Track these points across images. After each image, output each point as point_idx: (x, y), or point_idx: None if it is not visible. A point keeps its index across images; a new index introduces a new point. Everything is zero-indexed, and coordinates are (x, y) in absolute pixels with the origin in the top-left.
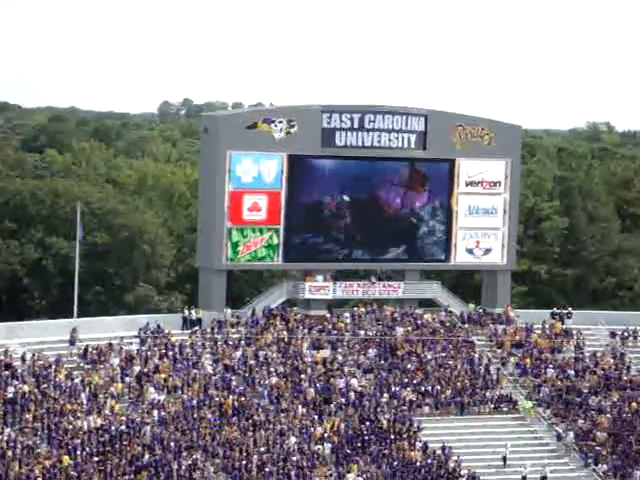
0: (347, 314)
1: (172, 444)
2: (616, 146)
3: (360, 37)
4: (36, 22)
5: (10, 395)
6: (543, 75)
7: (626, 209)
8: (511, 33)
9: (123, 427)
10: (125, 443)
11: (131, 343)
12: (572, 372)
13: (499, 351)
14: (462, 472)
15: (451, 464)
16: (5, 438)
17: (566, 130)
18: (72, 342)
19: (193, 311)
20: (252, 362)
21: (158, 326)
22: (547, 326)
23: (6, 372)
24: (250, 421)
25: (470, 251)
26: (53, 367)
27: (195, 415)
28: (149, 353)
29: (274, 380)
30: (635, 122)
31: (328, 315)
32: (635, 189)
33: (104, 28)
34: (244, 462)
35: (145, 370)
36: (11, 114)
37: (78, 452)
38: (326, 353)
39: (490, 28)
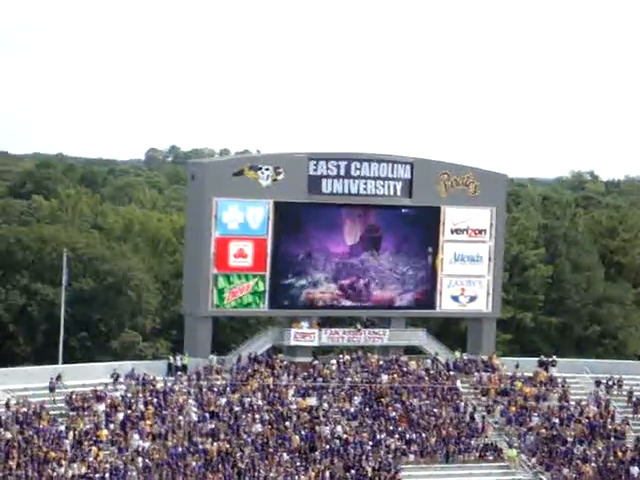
0: (333, 361)
1: None
2: (600, 195)
3: (347, 85)
4: (24, 68)
5: None
6: (528, 124)
7: (610, 257)
8: (497, 82)
9: (107, 475)
10: None
11: (116, 389)
12: (557, 420)
13: (484, 399)
14: None
15: None
16: None
17: (551, 179)
18: (52, 389)
19: (178, 357)
20: (237, 409)
21: (144, 373)
22: (532, 374)
23: None
24: (235, 469)
25: (455, 298)
26: (37, 414)
27: (179, 463)
28: (134, 400)
29: (259, 427)
30: (619, 171)
31: (314, 362)
32: (619, 238)
33: (92, 75)
34: None
35: (130, 417)
36: None
37: None
38: (311, 400)
39: (477, 77)
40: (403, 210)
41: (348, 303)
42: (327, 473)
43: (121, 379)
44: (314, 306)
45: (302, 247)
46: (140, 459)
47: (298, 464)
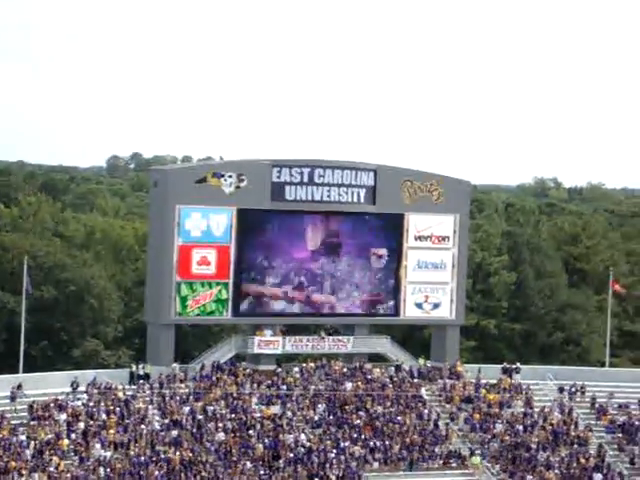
0: (296, 369)
1: None
2: (563, 202)
3: (310, 91)
4: None
5: None
6: (492, 131)
7: (573, 264)
8: (459, 89)
9: None
10: None
11: (78, 399)
12: (521, 427)
13: (448, 406)
14: None
15: None
16: None
17: (514, 186)
18: (13, 398)
19: (141, 366)
20: (200, 417)
21: (105, 381)
22: (496, 381)
23: None
24: (198, 477)
25: (419, 305)
26: None
27: (142, 472)
28: (95, 409)
29: (222, 436)
30: (582, 178)
31: (277, 370)
32: (582, 245)
33: (52, 82)
34: None
35: (91, 426)
36: None
37: None
38: (275, 408)
39: (439, 83)
40: (366, 217)
41: (312, 310)
42: None
43: (83, 388)
44: (277, 314)
45: (264, 254)
46: (102, 469)
47: (262, 472)
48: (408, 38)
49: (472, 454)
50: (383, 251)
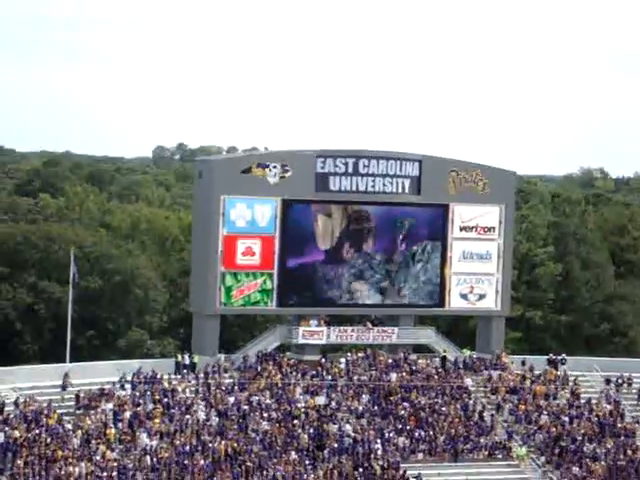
0: (341, 359)
1: None
2: (610, 192)
3: (355, 82)
4: (31, 66)
5: (0, 440)
6: (538, 121)
7: (620, 255)
8: (506, 79)
9: (115, 473)
10: None
11: (123, 388)
12: (567, 419)
13: (493, 397)
14: None
15: None
16: None
17: (560, 176)
18: (64, 387)
19: (186, 356)
20: (245, 407)
21: (152, 371)
22: (542, 372)
23: None
24: (243, 467)
25: (464, 296)
26: (45, 412)
27: (187, 461)
28: (141, 399)
29: (267, 426)
30: (629, 168)
31: (322, 360)
32: (629, 235)
33: (99, 73)
34: None
35: (137, 415)
36: (5, 158)
37: None
38: (320, 399)
39: (486, 73)
40: (412, 208)
41: (356, 301)
42: (335, 472)
43: (128, 378)
44: (322, 304)
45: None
46: (148, 458)
47: (306, 463)
48: (456, 28)
49: (519, 445)
50: (428, 242)
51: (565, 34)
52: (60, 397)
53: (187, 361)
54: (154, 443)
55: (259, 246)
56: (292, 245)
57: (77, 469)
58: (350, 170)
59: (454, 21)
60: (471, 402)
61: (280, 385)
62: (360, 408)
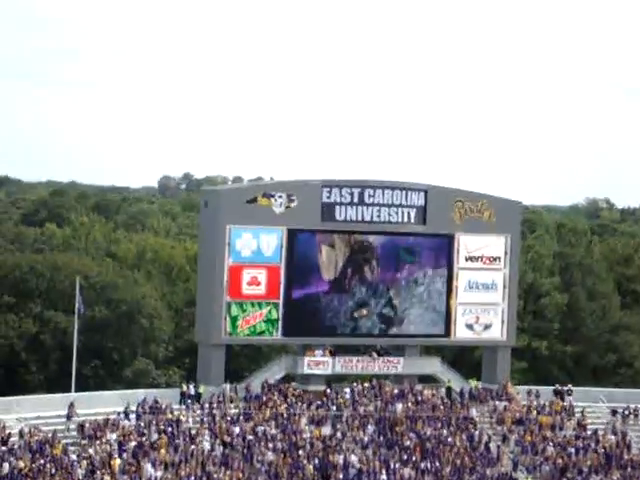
0: (346, 389)
1: None
2: (616, 223)
3: (361, 112)
4: (36, 95)
5: (5, 471)
6: (543, 151)
7: (626, 285)
8: (512, 109)
9: None
10: None
11: (129, 418)
12: (573, 450)
13: (499, 428)
14: None
15: None
16: None
17: (566, 206)
18: (69, 417)
19: (191, 385)
20: (250, 438)
21: (156, 401)
22: (548, 403)
23: (2, 448)
24: None
25: (470, 326)
26: (50, 442)
27: None
28: (146, 429)
29: (272, 456)
30: (634, 199)
31: (327, 390)
32: (635, 265)
33: (104, 102)
34: None
35: (142, 446)
36: (12, 188)
37: None
38: (325, 429)
39: (491, 104)
40: (417, 237)
41: (361, 331)
42: None
43: (133, 407)
44: (327, 334)
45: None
46: None
47: None
48: (458, 57)
49: (527, 476)
50: (433, 272)
51: (572, 64)
52: (65, 427)
53: (192, 391)
54: (159, 474)
55: (265, 276)
56: (297, 275)
57: None
58: (356, 200)
59: (457, 51)
60: (477, 433)
61: (285, 415)
62: (365, 439)
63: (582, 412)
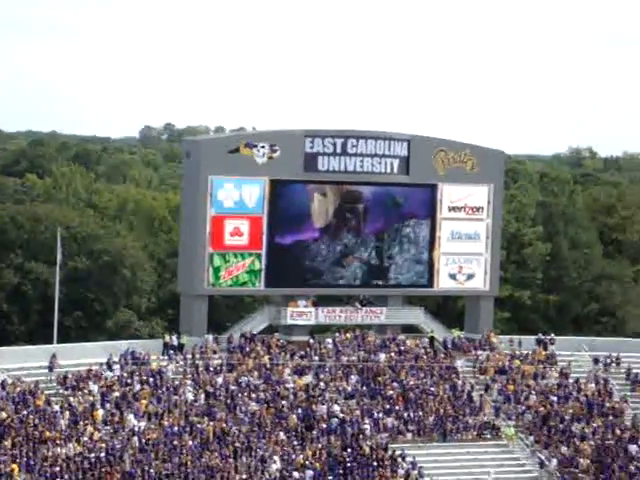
0: (329, 340)
1: (152, 471)
2: (599, 172)
3: (343, 62)
4: (17, 45)
5: None
6: (526, 100)
7: (609, 235)
8: (493, 60)
9: (103, 454)
10: (105, 470)
11: (111, 369)
12: (555, 398)
13: (482, 377)
14: None
15: None
16: None
17: (549, 155)
18: (51, 368)
19: (174, 336)
20: (233, 388)
21: (139, 352)
22: (530, 352)
23: None
24: (231, 448)
25: (453, 276)
26: (32, 393)
27: (176, 442)
28: (129, 379)
29: (255, 406)
30: (617, 148)
31: (310, 341)
32: (618, 215)
33: (85, 52)
34: None
35: (125, 397)
36: None
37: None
38: (308, 379)
39: (472, 54)
40: (402, 187)
41: (345, 281)
42: (324, 452)
43: (116, 359)
44: (311, 284)
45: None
46: (136, 439)
47: (295, 443)
48: (442, 8)
49: (507, 425)
50: (417, 221)
51: (554, 12)
52: (47, 378)
53: (175, 342)
54: (142, 424)
55: (247, 226)
56: (284, 224)
57: (65, 450)
58: (339, 150)
59: (439, 2)
60: (460, 382)
61: (268, 366)
62: (349, 389)
63: (562, 361)
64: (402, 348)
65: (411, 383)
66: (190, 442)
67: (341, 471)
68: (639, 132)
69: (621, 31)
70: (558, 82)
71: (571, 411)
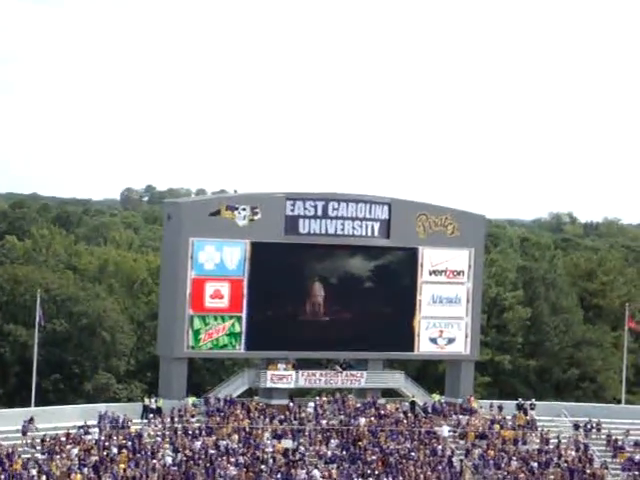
0: (310, 403)
1: None
2: (579, 237)
3: (324, 125)
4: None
5: None
6: (507, 165)
7: (589, 300)
8: (475, 123)
9: None
10: None
11: (89, 433)
12: (535, 464)
13: (462, 442)
14: None
15: None
16: None
17: (529, 220)
18: (25, 432)
19: (153, 400)
20: (212, 452)
21: (117, 416)
22: (511, 417)
23: None
24: None
25: (434, 340)
26: (9, 457)
27: None
28: (107, 443)
29: (234, 471)
30: (597, 213)
31: (290, 404)
32: (598, 280)
33: (67, 114)
34: None
35: (103, 461)
36: None
37: None
38: (288, 443)
39: (454, 118)
40: (380, 251)
41: (325, 344)
42: None
43: (94, 422)
44: (290, 347)
45: (277, 287)
46: None
47: None
48: (425, 71)
49: None
50: (398, 285)
51: (533, 74)
52: (25, 442)
53: (154, 405)
54: None
55: (227, 289)
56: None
57: None
58: (319, 213)
59: (420, 67)
60: (440, 447)
61: (248, 429)
62: (329, 453)
63: (542, 426)
64: (382, 412)
65: (391, 447)
66: None
67: None
68: (619, 198)
69: (605, 97)
70: (539, 148)
71: (552, 477)
